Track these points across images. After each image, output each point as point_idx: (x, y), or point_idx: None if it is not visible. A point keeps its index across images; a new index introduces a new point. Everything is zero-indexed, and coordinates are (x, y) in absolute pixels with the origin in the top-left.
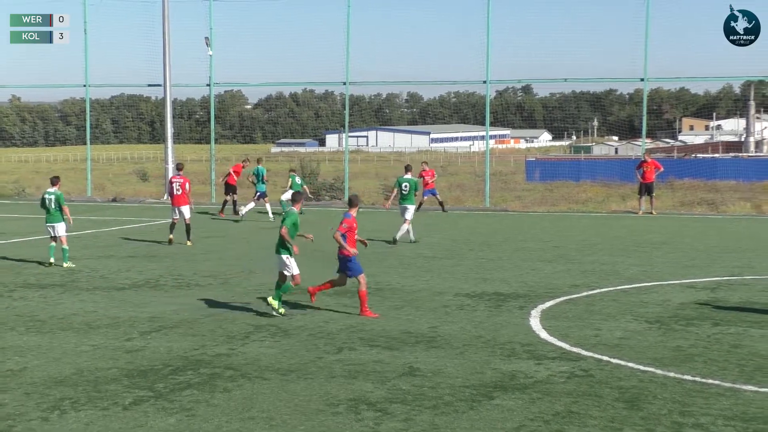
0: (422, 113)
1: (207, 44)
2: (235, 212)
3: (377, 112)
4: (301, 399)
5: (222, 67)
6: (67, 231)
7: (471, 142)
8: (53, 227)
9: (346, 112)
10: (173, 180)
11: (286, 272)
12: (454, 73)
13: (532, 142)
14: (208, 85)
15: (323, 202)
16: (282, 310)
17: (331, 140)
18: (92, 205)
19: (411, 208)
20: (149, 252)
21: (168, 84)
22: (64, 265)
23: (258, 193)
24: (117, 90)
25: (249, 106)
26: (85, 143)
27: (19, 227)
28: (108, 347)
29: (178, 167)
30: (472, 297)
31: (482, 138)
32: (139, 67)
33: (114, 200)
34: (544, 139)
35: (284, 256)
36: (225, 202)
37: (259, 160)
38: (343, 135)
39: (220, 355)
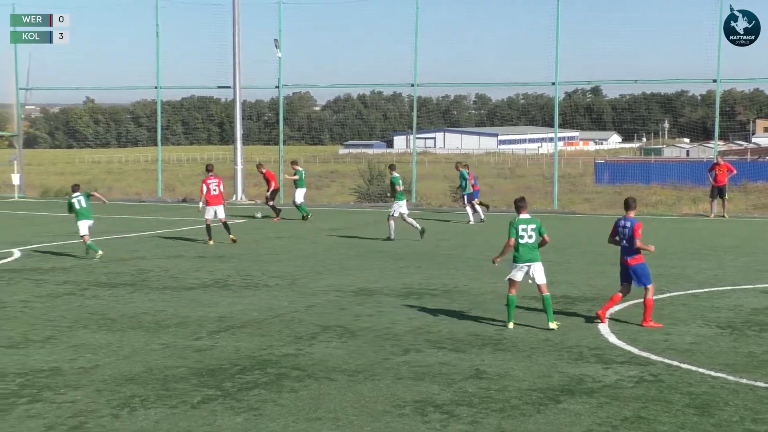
0: (490, 115)
1: (276, 46)
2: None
3: (445, 114)
4: (368, 400)
5: (291, 69)
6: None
7: (539, 144)
8: (87, 222)
9: (414, 113)
10: (209, 181)
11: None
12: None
13: (601, 144)
14: (277, 87)
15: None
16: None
17: (399, 142)
18: (162, 206)
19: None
20: (218, 252)
21: (237, 86)
22: (93, 250)
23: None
24: (187, 92)
25: (317, 108)
26: (156, 144)
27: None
28: (177, 346)
29: (209, 168)
30: (540, 300)
31: (550, 140)
32: (209, 69)
33: (184, 201)
34: (614, 141)
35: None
36: (272, 207)
37: (294, 163)
38: (411, 136)
39: (288, 356)
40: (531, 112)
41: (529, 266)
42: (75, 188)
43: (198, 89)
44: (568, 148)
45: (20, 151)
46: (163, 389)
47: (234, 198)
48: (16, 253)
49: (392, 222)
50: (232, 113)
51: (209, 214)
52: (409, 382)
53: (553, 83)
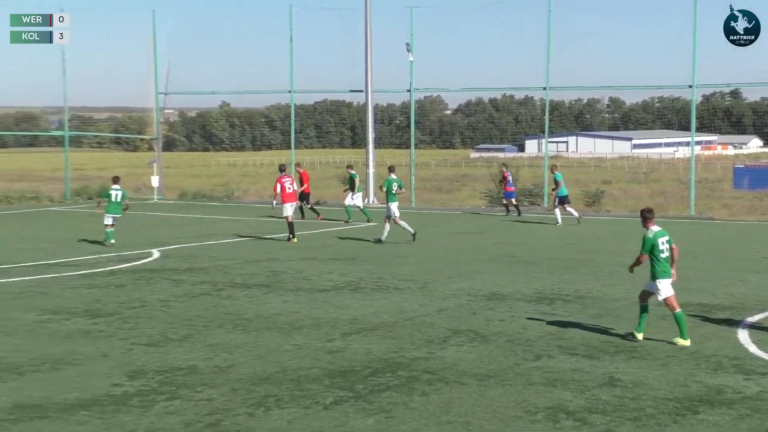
0: (624, 118)
1: (408, 50)
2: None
3: (578, 117)
4: (499, 405)
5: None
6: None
7: (675, 149)
8: (114, 217)
9: (546, 117)
10: (283, 180)
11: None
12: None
13: (741, 148)
14: (409, 90)
15: (522, 207)
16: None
17: (531, 145)
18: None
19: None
20: (350, 255)
21: (369, 90)
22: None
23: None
24: (320, 96)
25: (449, 112)
26: (289, 147)
27: (227, 228)
28: (310, 347)
29: (281, 168)
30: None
31: (687, 144)
32: (341, 74)
33: (317, 203)
34: (754, 145)
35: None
36: (311, 209)
37: (349, 167)
38: (543, 140)
39: (419, 359)
40: (667, 115)
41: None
42: (115, 180)
43: (331, 93)
44: (706, 152)
45: (159, 153)
46: (297, 389)
47: (366, 201)
48: (156, 254)
49: (403, 223)
50: (364, 117)
51: (288, 212)
52: (540, 388)
53: (690, 86)
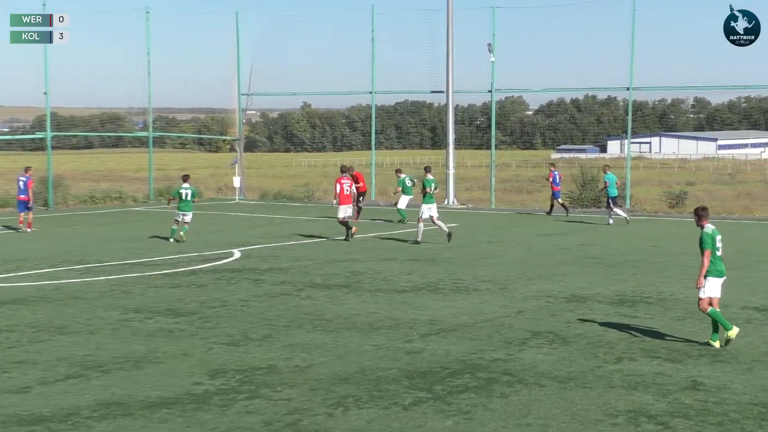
0: (709, 119)
1: (489, 51)
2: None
3: (661, 118)
4: (579, 408)
5: (503, 74)
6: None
7: (762, 149)
8: (185, 215)
9: (629, 117)
10: (342, 181)
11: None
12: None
13: None
14: (490, 91)
15: (603, 209)
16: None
17: (613, 146)
18: (375, 209)
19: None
20: (429, 256)
21: (450, 90)
22: (182, 234)
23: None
24: (401, 96)
25: (529, 112)
26: (370, 148)
27: (307, 228)
28: (389, 348)
29: (343, 169)
30: (762, 311)
31: None
32: (422, 74)
33: (393, 204)
34: None
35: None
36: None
37: (398, 171)
38: (626, 141)
39: (498, 360)
40: (753, 115)
41: (724, 280)
42: (185, 178)
43: (411, 94)
44: None
45: (241, 154)
46: (376, 390)
47: (445, 202)
48: (236, 254)
49: (421, 225)
50: (445, 118)
51: (341, 213)
52: (621, 391)
53: None
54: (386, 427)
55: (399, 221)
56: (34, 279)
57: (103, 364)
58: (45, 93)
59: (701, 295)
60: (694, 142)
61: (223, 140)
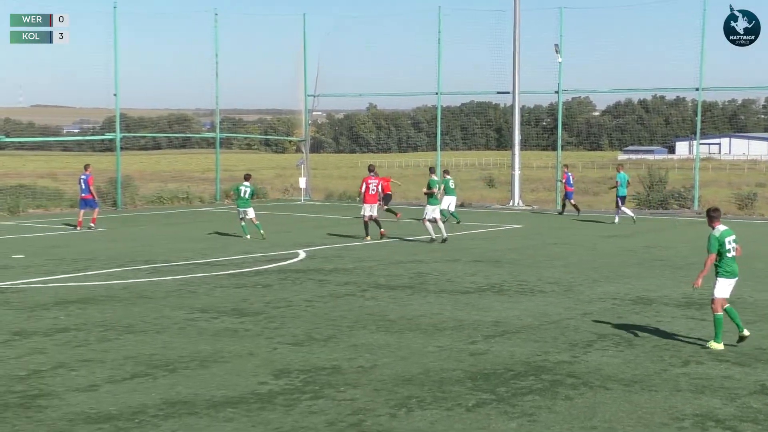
0: None
1: (556, 51)
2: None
3: (731, 119)
4: (645, 411)
5: (570, 74)
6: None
7: None
8: (245, 211)
9: (698, 118)
10: (369, 180)
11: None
12: None
13: None
14: (557, 92)
15: (670, 210)
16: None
17: (681, 147)
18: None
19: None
20: (494, 257)
21: (516, 91)
22: (261, 231)
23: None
24: (466, 97)
25: (596, 113)
26: (435, 149)
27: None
28: (453, 349)
29: (370, 168)
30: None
31: None
32: (488, 75)
33: (461, 205)
34: None
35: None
36: (388, 210)
37: (446, 172)
38: (694, 142)
39: (562, 363)
40: None
41: (736, 281)
42: (247, 177)
43: (477, 95)
44: None
45: (307, 155)
46: (439, 391)
47: (510, 203)
48: (302, 254)
49: (428, 224)
50: (511, 118)
51: (366, 212)
52: (688, 395)
53: None
54: (449, 429)
55: (457, 222)
56: (103, 278)
57: (169, 363)
58: (115, 94)
59: (715, 296)
60: (765, 143)
61: (289, 141)
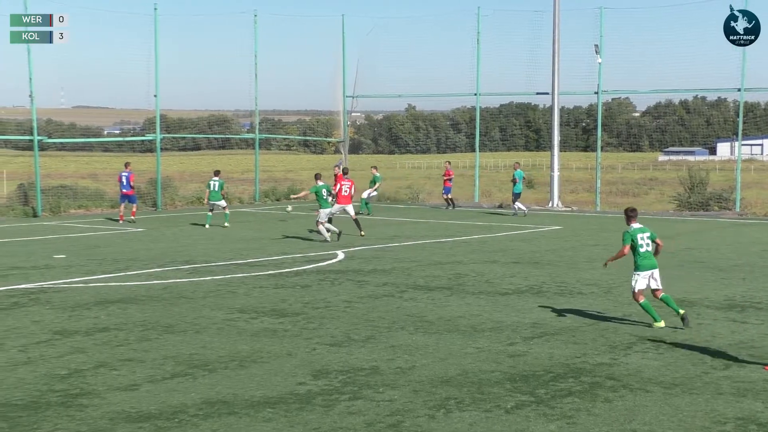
0: None
1: (596, 52)
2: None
3: None
4: (686, 414)
5: (610, 75)
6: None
7: None
8: (215, 204)
9: (740, 119)
10: (343, 182)
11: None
12: None
13: None
14: (596, 92)
15: (712, 212)
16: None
17: (723, 149)
18: (479, 211)
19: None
20: (533, 258)
21: (556, 92)
22: (226, 224)
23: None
24: (505, 98)
25: (636, 114)
26: (474, 150)
27: (411, 230)
28: (492, 350)
29: (345, 171)
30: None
31: None
32: (527, 76)
33: (500, 207)
34: None
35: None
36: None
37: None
38: (736, 143)
39: (602, 365)
40: None
41: (651, 273)
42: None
43: (516, 96)
44: None
45: (346, 156)
46: (478, 393)
47: (550, 204)
48: (340, 255)
49: (322, 227)
50: (550, 119)
51: (335, 210)
52: (730, 398)
53: None
54: (488, 430)
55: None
56: (143, 278)
57: (208, 363)
58: (155, 96)
59: (635, 288)
60: None
61: (328, 142)
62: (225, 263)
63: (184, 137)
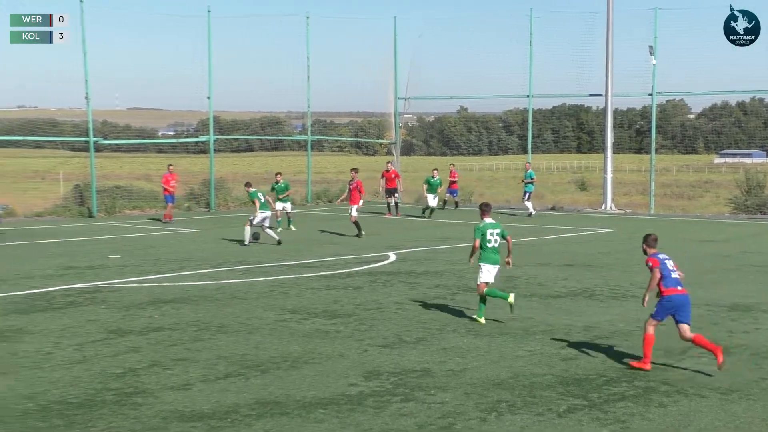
0: None
1: (650, 53)
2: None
3: None
4: (742, 421)
5: (664, 76)
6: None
7: None
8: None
9: None
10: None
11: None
12: None
13: None
14: (650, 94)
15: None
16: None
17: None
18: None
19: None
20: (586, 261)
21: (609, 94)
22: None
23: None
24: (558, 100)
25: (692, 116)
26: (526, 152)
27: (463, 232)
28: (543, 354)
29: (356, 170)
30: None
31: None
32: (580, 77)
33: (552, 209)
34: None
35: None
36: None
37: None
38: None
39: (656, 369)
40: None
41: (496, 268)
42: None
43: (569, 97)
44: None
45: (397, 158)
46: (530, 396)
47: (603, 207)
48: (392, 257)
49: (247, 228)
50: (603, 121)
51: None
52: None
53: None
54: None
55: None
56: (197, 279)
57: (261, 364)
58: (208, 97)
59: (478, 281)
60: None
61: (380, 144)
62: (278, 264)
63: (237, 138)
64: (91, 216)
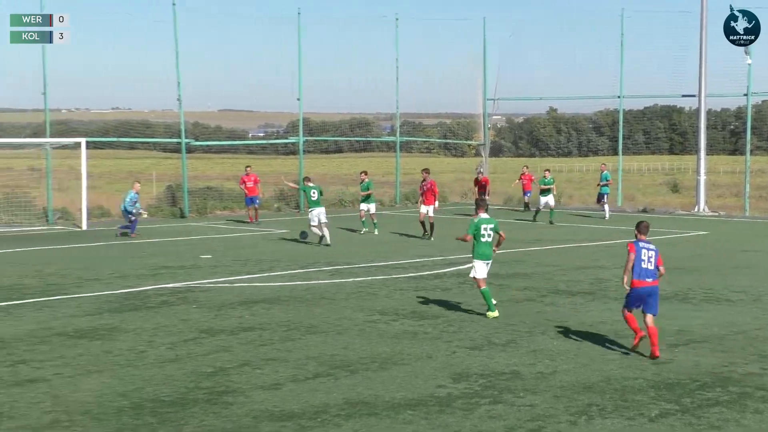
0: None
1: (746, 53)
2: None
3: None
4: None
5: (760, 76)
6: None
7: None
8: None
9: None
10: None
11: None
12: None
13: None
14: (746, 94)
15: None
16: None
17: None
18: (622, 216)
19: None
20: (678, 264)
21: (703, 94)
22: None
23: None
24: (650, 101)
25: None
26: (616, 153)
27: (552, 234)
28: (635, 357)
29: (428, 171)
30: None
31: None
32: (673, 78)
33: (644, 210)
34: None
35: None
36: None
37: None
38: None
39: (751, 374)
40: None
41: (489, 263)
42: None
43: (661, 98)
44: None
45: (486, 159)
46: (621, 400)
47: (696, 209)
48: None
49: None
50: (696, 122)
51: (423, 210)
52: None
53: None
54: None
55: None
56: (287, 279)
57: (350, 364)
58: (298, 99)
59: (475, 276)
60: None
61: (469, 145)
62: (366, 265)
63: (326, 140)
64: (182, 216)
